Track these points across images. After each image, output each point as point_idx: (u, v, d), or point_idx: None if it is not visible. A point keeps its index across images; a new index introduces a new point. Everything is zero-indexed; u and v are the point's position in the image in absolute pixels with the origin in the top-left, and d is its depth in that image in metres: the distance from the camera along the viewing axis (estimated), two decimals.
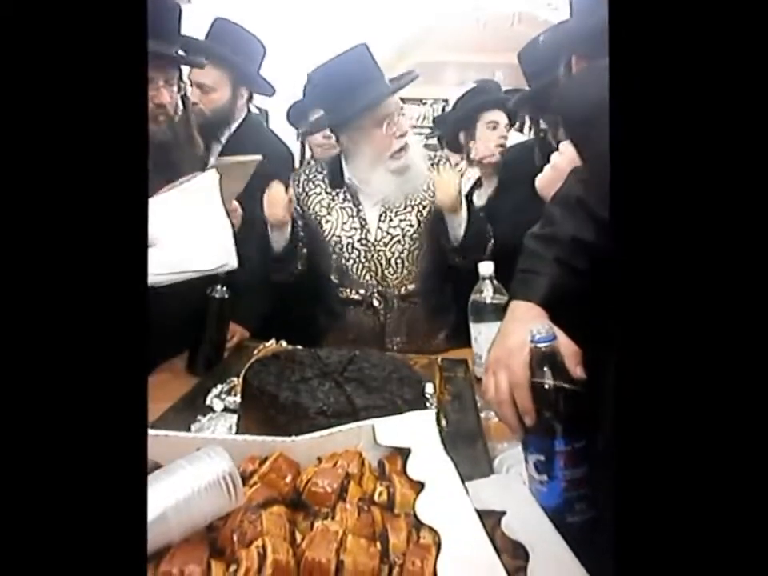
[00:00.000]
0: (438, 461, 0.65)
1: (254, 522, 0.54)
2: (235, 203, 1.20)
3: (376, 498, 0.62)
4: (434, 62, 4.62)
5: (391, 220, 1.43)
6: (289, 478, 0.63)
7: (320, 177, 1.49)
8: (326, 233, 1.45)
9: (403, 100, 1.43)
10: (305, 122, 1.92)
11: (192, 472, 0.54)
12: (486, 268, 1.16)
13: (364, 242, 1.43)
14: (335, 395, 0.85)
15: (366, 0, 3.92)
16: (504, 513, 0.61)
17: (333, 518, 0.57)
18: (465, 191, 1.79)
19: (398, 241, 1.43)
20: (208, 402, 1.04)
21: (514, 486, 0.69)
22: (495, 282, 1.15)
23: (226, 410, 1.02)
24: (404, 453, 0.68)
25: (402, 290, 1.46)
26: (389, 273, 1.44)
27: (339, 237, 1.44)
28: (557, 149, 0.98)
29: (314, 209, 1.47)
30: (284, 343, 1.26)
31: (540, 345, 0.66)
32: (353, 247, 1.44)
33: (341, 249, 1.44)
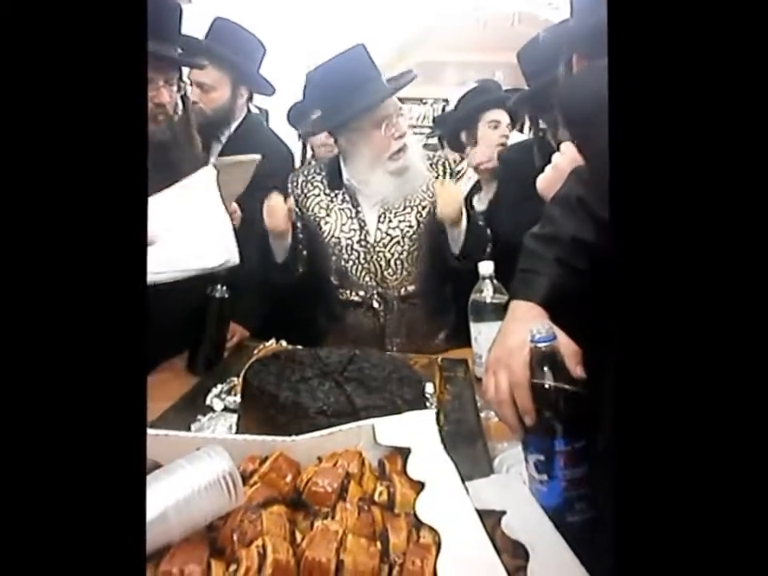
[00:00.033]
0: (438, 460, 0.65)
1: (254, 522, 0.54)
2: (235, 205, 1.20)
3: (376, 497, 0.62)
4: (434, 61, 4.62)
5: (390, 221, 1.43)
6: (289, 478, 0.63)
7: (318, 178, 1.48)
8: (325, 234, 1.45)
9: (403, 100, 1.43)
10: (305, 122, 1.92)
11: (192, 471, 0.54)
12: (486, 268, 1.16)
13: (363, 243, 1.43)
14: (335, 395, 0.85)
15: (366, 0, 3.92)
16: (504, 512, 0.61)
17: (333, 518, 0.57)
18: (465, 192, 1.80)
19: (398, 242, 1.43)
20: (208, 402, 1.04)
21: (514, 485, 0.69)
22: (495, 281, 1.15)
23: (226, 409, 1.02)
24: (404, 452, 0.68)
25: (402, 291, 1.45)
26: (388, 274, 1.44)
27: (338, 238, 1.44)
28: (556, 148, 0.98)
29: (312, 210, 1.46)
30: (284, 343, 1.26)
31: (540, 344, 0.66)
32: (352, 248, 1.43)
33: (340, 250, 1.44)
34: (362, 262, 1.44)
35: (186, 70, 1.44)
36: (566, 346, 0.67)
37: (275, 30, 2.47)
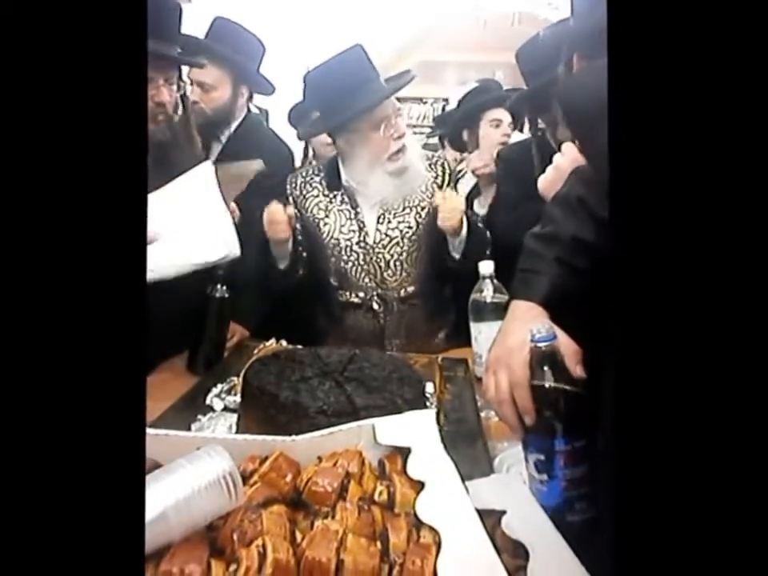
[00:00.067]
0: (438, 460, 0.65)
1: (254, 522, 0.54)
2: (233, 205, 1.20)
3: (376, 497, 0.62)
4: (434, 61, 4.62)
5: (390, 222, 1.42)
6: (289, 478, 0.63)
7: (317, 179, 1.48)
8: (324, 235, 1.44)
9: (403, 99, 1.43)
10: (305, 123, 1.92)
11: (192, 471, 0.54)
12: (486, 267, 1.16)
13: (362, 244, 1.43)
14: (335, 395, 0.85)
15: (366, 0, 3.92)
16: (504, 512, 0.61)
17: (333, 518, 0.57)
18: (466, 192, 1.80)
19: (397, 243, 1.42)
20: (208, 402, 1.04)
21: (514, 485, 0.69)
22: (495, 281, 1.15)
23: (226, 409, 1.02)
24: (404, 452, 0.68)
25: (402, 292, 1.45)
26: (388, 275, 1.44)
27: (338, 239, 1.43)
28: (555, 148, 0.98)
29: (311, 211, 1.46)
30: (284, 343, 1.26)
31: (540, 344, 0.66)
32: (351, 250, 1.43)
33: (339, 251, 1.44)
34: (362, 263, 1.43)
35: (186, 70, 1.44)
36: (566, 346, 0.67)
37: (275, 30, 2.47)
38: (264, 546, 0.50)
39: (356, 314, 1.46)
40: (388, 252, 1.43)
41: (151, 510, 0.49)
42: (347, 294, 1.46)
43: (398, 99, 1.41)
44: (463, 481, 0.62)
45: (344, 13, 3.73)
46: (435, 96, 5.10)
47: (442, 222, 1.33)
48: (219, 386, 1.08)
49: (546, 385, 0.65)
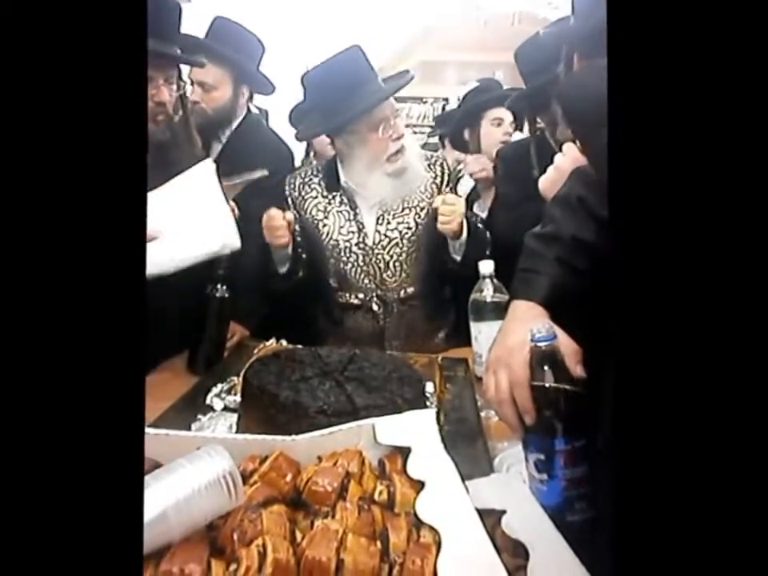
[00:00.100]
0: (438, 460, 0.65)
1: (254, 521, 0.54)
2: (232, 204, 1.20)
3: (376, 496, 0.62)
4: (434, 61, 4.63)
5: (389, 223, 1.42)
6: (289, 477, 0.63)
7: (316, 180, 1.47)
8: (323, 237, 1.44)
9: (403, 99, 1.43)
10: (304, 124, 1.92)
11: (192, 471, 0.54)
12: (486, 267, 1.16)
13: (362, 245, 1.42)
14: (335, 394, 0.85)
15: (367, 0, 3.92)
16: (504, 512, 0.61)
17: (333, 517, 0.57)
18: (466, 193, 1.80)
19: (396, 244, 1.42)
20: (208, 401, 1.04)
21: (514, 484, 0.69)
22: (495, 280, 1.15)
23: (226, 409, 1.02)
24: (404, 452, 0.68)
25: (401, 293, 1.45)
26: (387, 276, 1.44)
27: (337, 241, 1.43)
28: (555, 147, 0.98)
29: (310, 213, 1.45)
30: (284, 342, 1.26)
31: (540, 344, 0.66)
32: (351, 251, 1.43)
33: (339, 253, 1.43)
34: (361, 264, 1.43)
35: (186, 70, 1.44)
36: (566, 346, 0.67)
37: (275, 30, 2.47)
38: (264, 545, 0.50)
39: (356, 315, 1.46)
40: (387, 253, 1.42)
41: (151, 510, 0.49)
42: (347, 295, 1.46)
43: (398, 99, 1.41)
44: (463, 480, 0.62)
45: (344, 13, 3.72)
46: (435, 96, 5.10)
47: (442, 225, 1.33)
48: (219, 385, 1.08)
49: (546, 384, 0.65)
